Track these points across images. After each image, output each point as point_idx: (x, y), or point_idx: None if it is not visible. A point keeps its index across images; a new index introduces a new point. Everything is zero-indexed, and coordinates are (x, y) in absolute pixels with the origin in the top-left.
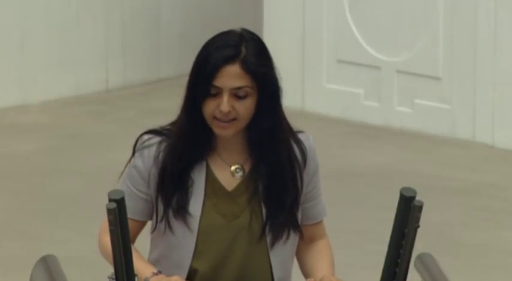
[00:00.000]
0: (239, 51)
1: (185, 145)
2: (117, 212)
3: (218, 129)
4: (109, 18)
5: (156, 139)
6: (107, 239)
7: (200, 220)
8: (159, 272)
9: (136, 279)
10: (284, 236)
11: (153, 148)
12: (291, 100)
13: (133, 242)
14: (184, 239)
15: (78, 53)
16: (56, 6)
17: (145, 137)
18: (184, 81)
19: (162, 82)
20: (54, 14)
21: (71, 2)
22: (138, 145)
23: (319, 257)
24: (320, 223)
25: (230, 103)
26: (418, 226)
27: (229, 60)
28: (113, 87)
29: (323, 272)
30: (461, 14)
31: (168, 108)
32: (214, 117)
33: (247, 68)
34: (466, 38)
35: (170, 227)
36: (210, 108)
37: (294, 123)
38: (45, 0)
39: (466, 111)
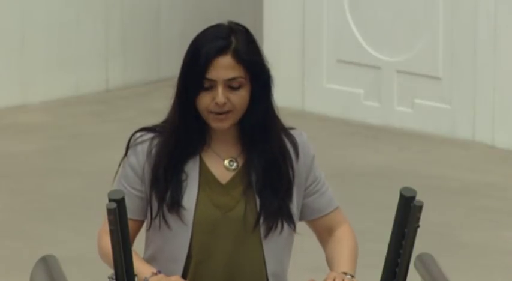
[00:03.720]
0: (230, 42)
1: (178, 140)
2: (117, 212)
3: (214, 123)
4: (109, 18)
5: (149, 136)
6: (106, 241)
7: (194, 212)
8: (159, 272)
9: (136, 279)
10: (278, 228)
11: (146, 144)
12: (291, 100)
13: (131, 242)
14: (180, 233)
15: (78, 53)
16: (56, 6)
17: (138, 134)
18: None
19: (162, 82)
20: (54, 14)
21: (71, 2)
22: (131, 143)
23: (338, 246)
24: (332, 213)
25: (225, 95)
26: (418, 226)
27: (220, 51)
28: (113, 87)
29: (340, 263)
30: (461, 14)
31: (168, 109)
32: (210, 111)
33: (239, 58)
34: (466, 38)
35: (166, 222)
36: (204, 102)
37: (294, 123)
38: (45, 0)
39: (466, 111)
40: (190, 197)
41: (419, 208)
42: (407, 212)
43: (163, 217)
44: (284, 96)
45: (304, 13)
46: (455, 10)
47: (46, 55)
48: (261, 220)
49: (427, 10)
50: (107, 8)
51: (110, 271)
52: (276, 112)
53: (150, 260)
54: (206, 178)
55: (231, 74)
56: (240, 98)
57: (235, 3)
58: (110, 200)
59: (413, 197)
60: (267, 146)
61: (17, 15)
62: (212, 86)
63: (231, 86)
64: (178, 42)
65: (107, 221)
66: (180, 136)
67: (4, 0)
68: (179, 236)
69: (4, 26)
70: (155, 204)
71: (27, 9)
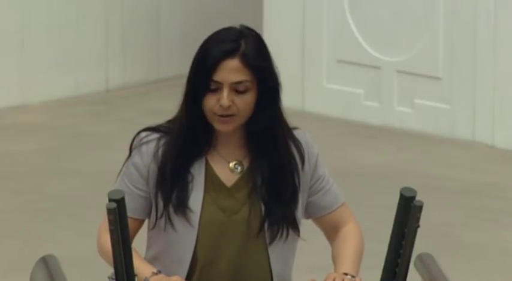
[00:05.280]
0: (238, 45)
1: (185, 141)
2: (117, 212)
3: (219, 125)
4: (109, 18)
5: (155, 135)
6: (106, 238)
7: (201, 215)
8: (159, 271)
9: (136, 279)
10: (283, 233)
11: (152, 143)
12: (291, 100)
13: (131, 241)
14: (185, 235)
15: (78, 53)
16: (56, 6)
17: (143, 134)
18: (184, 81)
19: (162, 82)
20: (54, 14)
21: (71, 2)
22: (135, 142)
23: (342, 246)
24: (337, 210)
25: (230, 98)
26: (418, 226)
27: (228, 54)
28: (113, 87)
29: (343, 263)
30: (461, 14)
31: (168, 109)
32: (215, 113)
33: (246, 62)
34: (466, 38)
35: (171, 223)
36: (210, 103)
37: (294, 123)
38: (45, 0)
39: (466, 111)
40: (196, 200)
41: (419, 208)
42: (407, 212)
43: (169, 218)
44: (284, 96)
45: (304, 13)
46: (455, 10)
47: (46, 55)
48: (266, 226)
49: (427, 10)
50: (107, 8)
51: (110, 271)
52: (284, 118)
53: (152, 260)
54: (212, 180)
55: (237, 77)
56: (245, 103)
57: (235, 3)
58: (110, 200)
59: (413, 197)
60: (274, 152)
61: (17, 15)
62: (218, 88)
63: (237, 89)
64: (178, 43)
65: (106, 219)
66: (187, 137)
67: (4, 0)
68: (185, 239)
69: (4, 26)
70: (161, 204)
71: (27, 9)
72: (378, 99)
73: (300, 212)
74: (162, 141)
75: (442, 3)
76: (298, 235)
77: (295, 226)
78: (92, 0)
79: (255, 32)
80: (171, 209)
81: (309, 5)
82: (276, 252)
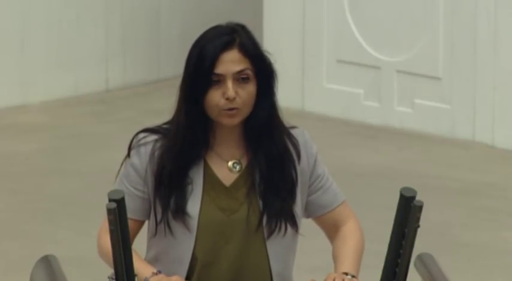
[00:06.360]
0: (234, 37)
1: (183, 142)
2: (117, 212)
3: (225, 119)
4: (109, 18)
5: (152, 137)
6: (106, 240)
7: (199, 217)
8: (159, 271)
9: (136, 279)
10: (282, 229)
11: (149, 145)
12: (291, 100)
13: (131, 242)
14: (184, 238)
15: (78, 53)
16: (56, 7)
17: (141, 135)
18: None
19: (162, 82)
20: (54, 14)
21: (71, 2)
22: (133, 143)
23: (342, 245)
24: (337, 208)
25: (234, 88)
26: (418, 226)
27: (226, 46)
28: (113, 87)
29: (343, 263)
30: (461, 14)
31: (168, 109)
32: (220, 108)
33: (245, 52)
34: (466, 38)
35: (170, 229)
36: (214, 99)
37: (294, 123)
38: (45, 1)
39: (466, 111)
40: (194, 202)
41: (419, 208)
42: (407, 212)
43: (168, 225)
44: (284, 96)
45: (304, 13)
46: (455, 10)
47: (46, 55)
48: (264, 221)
49: (427, 10)
50: (107, 8)
51: (110, 271)
52: (279, 112)
53: (152, 261)
54: (210, 180)
55: (238, 66)
56: (248, 93)
57: (235, 3)
58: (110, 200)
59: (413, 197)
60: (272, 145)
61: (17, 15)
62: (220, 81)
63: (239, 79)
64: (178, 43)
65: (106, 220)
66: (185, 139)
67: (4, 0)
68: (184, 242)
69: (4, 26)
70: (159, 210)
71: (27, 9)
72: (377, 99)
73: (298, 208)
74: (159, 143)
75: (442, 3)
76: (297, 230)
77: (293, 221)
78: (92, 0)
79: (242, 25)
80: (170, 215)
81: (309, 5)
82: (274, 248)
